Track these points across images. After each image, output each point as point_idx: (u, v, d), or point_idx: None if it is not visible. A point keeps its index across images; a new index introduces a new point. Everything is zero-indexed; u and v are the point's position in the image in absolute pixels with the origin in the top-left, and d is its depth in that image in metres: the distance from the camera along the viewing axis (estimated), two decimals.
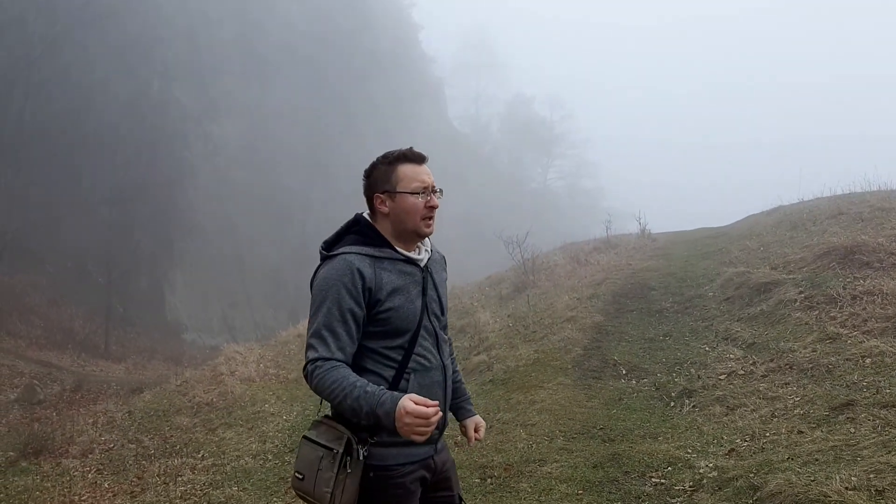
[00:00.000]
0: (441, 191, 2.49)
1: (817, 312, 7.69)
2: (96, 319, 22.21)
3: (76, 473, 7.85)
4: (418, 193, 2.41)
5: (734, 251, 12.40)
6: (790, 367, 6.54)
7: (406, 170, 2.43)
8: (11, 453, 8.86)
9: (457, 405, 2.76)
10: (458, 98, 68.35)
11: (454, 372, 2.75)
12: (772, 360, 6.89)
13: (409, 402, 2.11)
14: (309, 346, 2.32)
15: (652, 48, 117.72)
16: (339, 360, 2.28)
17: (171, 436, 9.00)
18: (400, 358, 2.38)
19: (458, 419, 2.78)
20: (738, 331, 8.16)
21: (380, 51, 44.05)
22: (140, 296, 25.63)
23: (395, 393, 2.19)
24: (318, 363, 2.27)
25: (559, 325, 10.19)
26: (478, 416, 2.78)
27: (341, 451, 2.27)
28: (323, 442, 2.33)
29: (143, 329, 24.23)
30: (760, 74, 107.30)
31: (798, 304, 8.11)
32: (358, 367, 2.36)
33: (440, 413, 2.15)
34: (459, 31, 73.50)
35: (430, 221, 2.45)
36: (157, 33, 27.61)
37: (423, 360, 2.42)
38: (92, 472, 7.88)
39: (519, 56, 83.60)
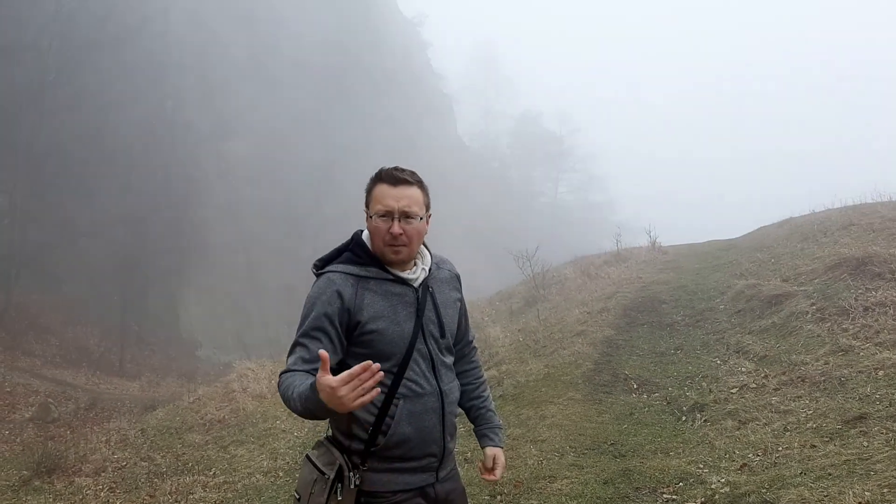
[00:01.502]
0: (423, 217, 2.35)
1: (829, 324, 7.65)
2: (111, 337, 22.35)
3: (89, 492, 7.89)
4: (382, 217, 2.29)
5: (745, 263, 12.36)
6: (802, 380, 6.50)
7: (378, 191, 2.33)
8: (25, 472, 8.91)
9: (480, 431, 2.64)
10: (467, 114, 68.60)
11: (482, 398, 2.65)
12: (784, 374, 6.85)
13: (327, 376, 1.93)
14: (286, 361, 2.28)
15: (662, 64, 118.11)
16: (306, 372, 2.18)
17: (184, 453, 9.03)
18: (389, 383, 2.27)
19: (480, 446, 2.63)
20: (749, 344, 8.12)
21: (389, 68, 44.33)
22: (154, 314, 25.78)
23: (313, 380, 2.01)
24: (283, 376, 2.20)
25: (570, 339, 10.17)
26: (499, 450, 2.60)
27: (332, 476, 2.22)
28: (318, 465, 2.29)
29: (158, 346, 24.35)
30: (771, 87, 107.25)
31: (810, 316, 8.07)
32: None
33: (375, 366, 1.92)
34: (468, 47, 74.07)
35: (398, 248, 2.30)
36: (170, 55, 27.92)
37: (414, 386, 2.31)
38: (104, 490, 7.92)
39: (527, 72, 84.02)
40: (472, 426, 2.69)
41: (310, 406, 2.02)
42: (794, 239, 13.14)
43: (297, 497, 2.32)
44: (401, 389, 2.30)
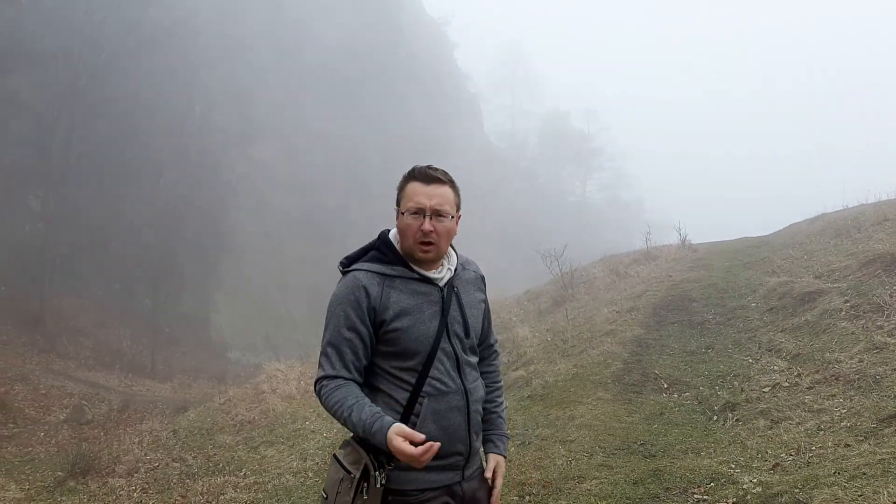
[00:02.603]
0: (453, 216, 2.37)
1: (863, 321, 7.50)
2: (143, 340, 22.61)
3: (122, 493, 8.00)
4: (414, 214, 2.32)
5: (777, 260, 12.18)
6: (836, 379, 6.38)
7: (410, 188, 2.35)
8: (60, 473, 9.06)
9: (486, 436, 2.61)
10: (494, 113, 68.45)
11: (495, 402, 2.64)
12: (817, 372, 6.73)
13: (396, 439, 2.09)
14: (319, 365, 2.33)
15: (693, 61, 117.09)
16: (344, 378, 2.27)
17: (214, 454, 9.12)
18: (413, 381, 2.31)
19: (484, 451, 2.61)
20: (782, 342, 8.00)
21: (416, 69, 44.39)
22: (185, 316, 26.04)
23: (385, 421, 2.14)
24: (324, 382, 2.27)
25: (598, 338, 10.10)
26: (501, 458, 2.59)
27: (358, 476, 2.23)
28: (345, 464, 2.30)
29: (189, 349, 24.59)
30: (803, 84, 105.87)
31: (843, 313, 7.93)
32: (372, 387, 2.34)
33: (431, 446, 2.06)
34: (494, 47, 73.84)
35: (428, 247, 2.32)
36: (198, 60, 28.19)
37: (438, 384, 2.33)
38: (137, 491, 8.02)
39: (554, 71, 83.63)
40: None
41: (369, 439, 2.19)
42: (827, 235, 12.92)
43: (325, 496, 2.33)
44: (425, 388, 2.31)
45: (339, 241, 32.09)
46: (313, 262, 31.17)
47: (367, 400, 2.23)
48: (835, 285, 8.95)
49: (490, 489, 2.53)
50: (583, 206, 65.89)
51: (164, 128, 25.55)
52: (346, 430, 2.39)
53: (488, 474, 2.54)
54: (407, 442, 2.08)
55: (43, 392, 15.04)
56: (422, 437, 2.08)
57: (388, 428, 2.10)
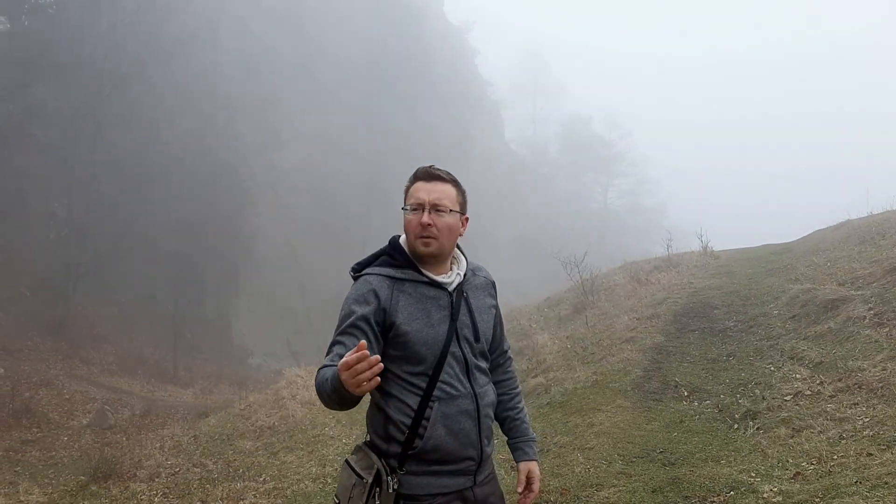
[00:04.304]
0: (455, 213, 2.40)
1: (887, 329, 7.39)
2: (165, 346, 22.81)
3: (143, 497, 8.06)
4: (414, 210, 2.37)
5: (800, 268, 12.04)
6: (859, 387, 6.30)
7: (413, 187, 2.42)
8: (82, 477, 9.15)
9: (514, 444, 2.64)
10: (514, 120, 68.33)
11: (516, 409, 2.65)
12: (840, 380, 6.65)
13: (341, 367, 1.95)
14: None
15: (710, 76, 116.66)
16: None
17: (235, 459, 9.17)
18: (424, 385, 2.32)
19: (514, 459, 2.64)
20: (804, 350, 7.90)
21: (437, 75, 44.48)
22: (207, 322, 26.26)
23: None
24: (318, 371, 2.24)
25: (618, 346, 10.04)
26: (534, 464, 2.61)
27: (370, 481, 2.24)
28: (357, 469, 2.31)
29: (210, 355, 24.77)
30: (831, 100, 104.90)
31: (867, 321, 7.82)
32: (383, 391, 2.35)
33: (362, 349, 1.92)
34: (515, 53, 73.83)
35: (427, 240, 2.35)
36: (220, 68, 28.45)
37: (448, 388, 2.33)
38: (158, 496, 8.07)
39: (575, 79, 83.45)
40: (506, 438, 2.68)
41: (336, 386, 2.01)
42: (852, 242, 12.77)
43: (337, 501, 2.34)
44: (436, 392, 2.32)
45: (360, 248, 32.20)
46: (334, 268, 31.27)
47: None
48: (858, 293, 8.83)
49: (502, 494, 2.53)
50: (604, 212, 65.60)
51: (186, 135, 25.79)
52: (364, 437, 2.39)
53: (521, 487, 2.55)
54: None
55: (66, 397, 15.23)
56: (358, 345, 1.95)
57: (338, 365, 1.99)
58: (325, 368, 2.20)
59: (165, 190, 25.12)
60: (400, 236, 2.50)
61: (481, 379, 2.46)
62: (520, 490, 2.56)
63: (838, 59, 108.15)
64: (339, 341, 2.30)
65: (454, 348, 2.37)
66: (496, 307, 2.62)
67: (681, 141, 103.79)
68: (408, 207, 2.40)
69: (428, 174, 2.42)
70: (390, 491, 2.22)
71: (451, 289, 2.43)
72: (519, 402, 2.69)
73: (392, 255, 2.44)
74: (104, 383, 17.30)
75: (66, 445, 12.21)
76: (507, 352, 2.72)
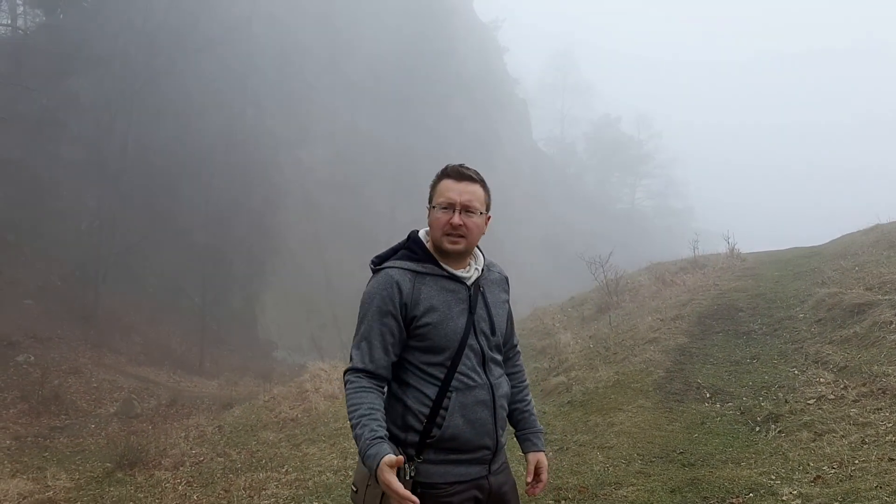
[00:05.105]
0: (483, 214, 2.45)
1: None
2: (192, 338, 23.08)
3: (167, 485, 8.18)
4: (444, 209, 2.40)
5: (827, 271, 11.92)
6: (883, 392, 6.24)
7: (442, 185, 2.45)
8: (108, 464, 9.31)
9: (523, 436, 2.68)
10: (543, 119, 67.92)
11: (524, 402, 2.70)
12: (864, 385, 6.59)
13: (384, 473, 2.12)
14: (350, 358, 2.41)
15: (740, 80, 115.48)
16: (371, 373, 2.34)
17: (258, 450, 9.27)
18: (442, 376, 2.37)
19: (522, 451, 2.69)
20: (829, 354, 7.84)
21: (465, 73, 44.46)
22: (233, 315, 26.51)
23: (381, 449, 2.16)
24: (350, 377, 2.36)
25: (641, 346, 10.01)
26: (542, 455, 2.65)
27: None
28: None
29: (236, 347, 25.02)
30: (861, 104, 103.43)
31: (894, 326, 7.74)
32: (401, 381, 2.41)
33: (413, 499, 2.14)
34: (544, 53, 73.45)
35: (456, 239, 2.40)
36: (251, 63, 28.75)
37: (466, 379, 2.39)
38: (182, 484, 8.19)
39: (604, 80, 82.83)
40: (514, 429, 2.73)
41: (358, 450, 2.24)
42: (881, 246, 12.61)
43: (355, 489, 2.38)
44: (454, 383, 2.37)
45: (386, 244, 31.86)
46: (360, 264, 31.24)
47: (378, 413, 2.27)
48: (886, 297, 8.73)
49: (514, 483, 2.58)
50: (631, 212, 65.15)
51: (216, 130, 26.10)
52: None
53: (529, 477, 2.59)
54: (396, 479, 2.13)
55: (94, 385, 15.48)
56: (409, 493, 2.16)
57: (382, 458, 2.13)
58: (358, 390, 2.33)
59: (195, 183, 25.44)
60: (419, 231, 2.55)
61: (496, 370, 2.51)
62: (529, 480, 2.60)
63: (875, 63, 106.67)
64: (367, 339, 2.38)
65: (472, 341, 2.42)
66: (508, 302, 2.68)
67: (711, 144, 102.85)
68: (436, 205, 2.43)
69: (459, 173, 2.45)
70: (407, 479, 2.27)
71: (469, 283, 2.48)
72: (527, 394, 2.74)
73: (412, 249, 2.49)
74: (131, 373, 17.55)
75: (94, 433, 12.43)
76: (516, 346, 2.78)
